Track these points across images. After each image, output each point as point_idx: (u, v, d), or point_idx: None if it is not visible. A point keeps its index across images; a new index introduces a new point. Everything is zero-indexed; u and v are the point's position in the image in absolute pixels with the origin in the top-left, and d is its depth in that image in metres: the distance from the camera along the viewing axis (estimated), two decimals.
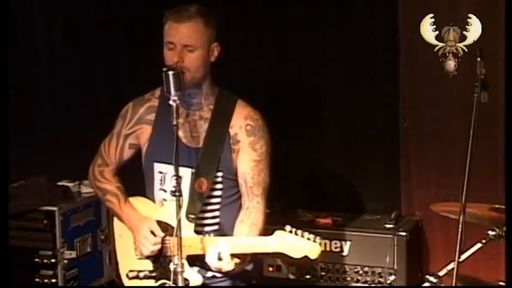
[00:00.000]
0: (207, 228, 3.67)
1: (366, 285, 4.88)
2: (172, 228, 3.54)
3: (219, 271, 3.53)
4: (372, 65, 5.14)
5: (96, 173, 3.84)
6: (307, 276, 5.01)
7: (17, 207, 5.05)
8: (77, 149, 5.59)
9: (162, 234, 3.61)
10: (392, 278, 4.82)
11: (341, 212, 5.14)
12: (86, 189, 5.41)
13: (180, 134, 3.63)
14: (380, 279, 4.86)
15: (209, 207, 3.68)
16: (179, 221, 3.31)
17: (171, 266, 3.33)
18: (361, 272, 4.89)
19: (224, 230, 3.68)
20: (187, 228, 3.51)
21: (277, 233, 3.42)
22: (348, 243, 4.91)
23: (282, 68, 5.29)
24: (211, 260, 3.48)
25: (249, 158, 3.67)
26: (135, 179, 3.83)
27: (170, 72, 3.42)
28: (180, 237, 3.31)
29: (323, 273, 4.97)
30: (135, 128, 3.78)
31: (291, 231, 3.39)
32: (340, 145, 5.28)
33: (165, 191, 3.71)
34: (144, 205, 3.76)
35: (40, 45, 5.83)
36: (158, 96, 3.76)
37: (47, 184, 5.28)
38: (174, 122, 3.36)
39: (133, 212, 3.73)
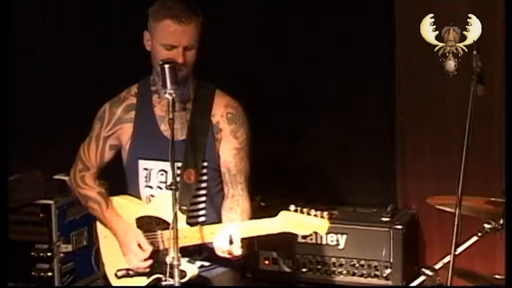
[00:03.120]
0: (196, 219, 3.67)
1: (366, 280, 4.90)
2: (164, 222, 3.57)
3: (228, 255, 3.50)
4: (369, 59, 5.15)
5: (78, 178, 3.81)
6: (303, 270, 5.02)
7: (12, 200, 5.04)
8: (73, 143, 5.58)
9: (151, 249, 3.60)
10: (388, 271, 4.84)
11: (337, 206, 5.15)
12: None
13: (162, 127, 3.65)
14: (376, 272, 4.87)
15: (198, 199, 3.69)
16: (175, 214, 3.30)
17: (168, 260, 3.31)
18: (357, 265, 4.90)
19: (211, 220, 3.67)
20: (180, 220, 3.48)
21: (282, 213, 3.43)
22: (344, 236, 4.92)
23: (280, 64, 5.30)
24: (221, 244, 3.46)
25: (231, 146, 3.68)
26: (116, 179, 3.83)
27: (166, 66, 3.43)
28: (177, 230, 3.30)
29: (319, 267, 4.98)
30: (115, 129, 3.76)
31: (296, 210, 3.40)
32: (336, 139, 5.29)
33: (151, 187, 3.70)
34: (131, 203, 3.75)
35: (38, 40, 5.82)
36: (135, 94, 3.76)
37: (43, 178, 5.28)
38: (170, 116, 3.35)
39: (117, 219, 3.71)
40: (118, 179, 3.85)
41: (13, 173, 5.28)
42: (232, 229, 3.48)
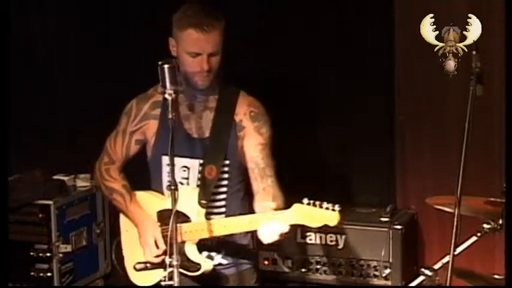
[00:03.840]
0: (215, 215, 3.75)
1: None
2: (184, 215, 3.66)
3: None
4: (368, 59, 5.14)
5: (103, 171, 3.90)
6: (303, 270, 5.02)
7: (12, 200, 5.04)
8: (72, 143, 5.59)
9: (164, 247, 3.66)
10: (387, 271, 4.83)
11: (336, 205, 5.13)
12: (81, 183, 5.41)
13: (186, 126, 3.75)
14: (375, 273, 4.87)
15: (218, 196, 3.77)
16: (174, 214, 3.35)
17: (167, 260, 3.37)
18: (356, 265, 4.91)
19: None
20: (199, 214, 3.65)
21: (295, 205, 3.50)
22: (343, 236, 4.92)
23: (280, 64, 5.29)
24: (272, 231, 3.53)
25: (256, 142, 3.76)
26: (140, 173, 3.89)
27: (166, 66, 3.45)
28: (176, 230, 3.37)
29: (318, 267, 4.98)
30: (141, 124, 3.84)
31: (308, 203, 3.47)
32: (336, 138, 5.29)
33: None
34: (153, 197, 3.84)
35: (38, 40, 5.82)
36: (162, 91, 3.78)
37: (42, 178, 5.27)
38: (170, 116, 3.41)
39: (140, 212, 3.80)
40: (142, 173, 3.91)
41: (13, 173, 5.28)
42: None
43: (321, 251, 4.95)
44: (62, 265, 5.21)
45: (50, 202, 5.16)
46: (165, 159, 3.77)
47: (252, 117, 3.77)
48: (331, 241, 4.94)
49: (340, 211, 3.46)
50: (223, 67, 3.76)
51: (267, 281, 5.09)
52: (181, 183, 3.74)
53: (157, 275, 3.71)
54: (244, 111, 3.77)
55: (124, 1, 5.62)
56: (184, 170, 3.75)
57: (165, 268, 3.65)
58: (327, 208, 3.46)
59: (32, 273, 5.19)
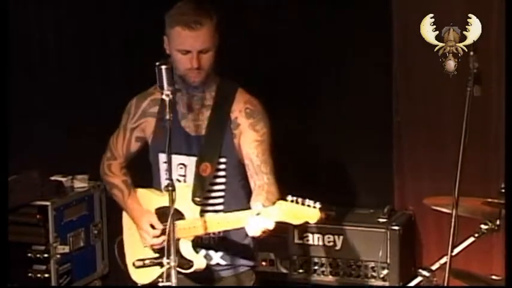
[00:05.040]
0: (211, 213, 3.74)
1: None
2: (179, 212, 3.65)
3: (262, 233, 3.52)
4: (365, 59, 5.15)
5: (105, 166, 3.95)
6: (300, 271, 5.02)
7: (9, 201, 5.03)
8: (70, 144, 5.59)
9: (161, 227, 3.69)
10: (385, 272, 4.84)
11: (334, 206, 5.14)
12: (78, 184, 5.41)
13: (183, 123, 3.76)
14: (373, 273, 4.88)
15: (213, 194, 3.77)
16: (172, 215, 3.35)
17: (164, 262, 3.36)
18: (354, 266, 4.91)
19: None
20: (193, 211, 3.65)
21: (279, 202, 3.48)
22: (341, 237, 4.92)
23: (279, 64, 5.29)
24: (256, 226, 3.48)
25: (251, 138, 3.74)
26: (146, 171, 3.91)
27: (163, 67, 3.44)
28: (173, 231, 3.36)
29: (316, 268, 4.98)
30: (139, 122, 3.86)
31: (292, 201, 3.44)
32: (333, 139, 5.29)
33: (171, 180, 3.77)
34: (152, 194, 3.86)
35: (34, 43, 5.82)
36: (160, 92, 3.81)
37: (39, 179, 5.27)
38: (167, 117, 3.40)
39: (136, 207, 3.83)
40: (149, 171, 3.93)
41: (10, 174, 5.27)
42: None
43: (319, 252, 4.95)
44: (59, 266, 5.21)
45: (48, 203, 5.16)
46: (162, 157, 3.78)
47: (248, 114, 3.76)
48: (329, 242, 4.94)
49: (320, 208, 3.38)
50: (222, 64, 3.75)
51: (265, 282, 5.09)
52: (179, 181, 3.75)
53: (155, 272, 3.72)
54: (240, 109, 3.76)
55: (123, 2, 5.63)
56: (181, 168, 3.76)
57: (161, 266, 3.68)
58: (309, 205, 3.41)
59: (30, 274, 5.18)
